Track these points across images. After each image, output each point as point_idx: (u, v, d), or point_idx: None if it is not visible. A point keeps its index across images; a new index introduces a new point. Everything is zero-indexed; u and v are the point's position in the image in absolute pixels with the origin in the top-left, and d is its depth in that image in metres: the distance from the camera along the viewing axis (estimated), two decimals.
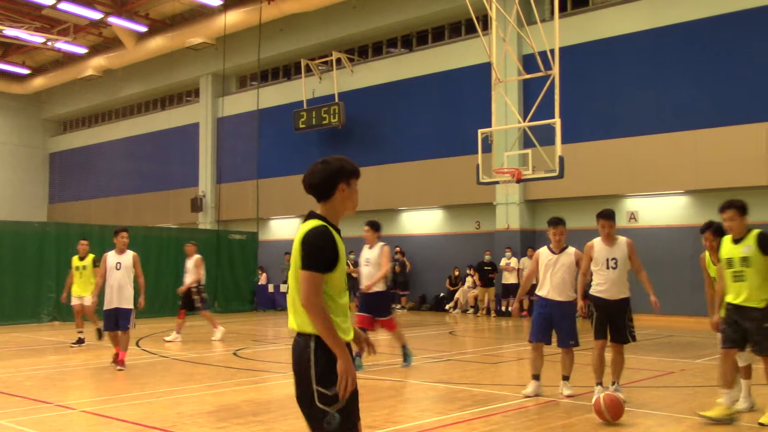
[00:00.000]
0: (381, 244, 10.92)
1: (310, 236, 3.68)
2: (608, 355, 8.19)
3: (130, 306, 10.83)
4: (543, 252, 8.66)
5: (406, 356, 10.97)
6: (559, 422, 7.13)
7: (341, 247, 3.73)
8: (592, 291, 8.24)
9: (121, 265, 10.86)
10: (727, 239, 7.26)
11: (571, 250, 8.60)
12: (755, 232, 7.06)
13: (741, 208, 7.19)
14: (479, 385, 9.38)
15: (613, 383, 8.07)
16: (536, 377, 8.53)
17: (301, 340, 3.70)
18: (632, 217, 20.01)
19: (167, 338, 14.42)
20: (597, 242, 8.38)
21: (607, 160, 19.99)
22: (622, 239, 8.31)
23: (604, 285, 8.15)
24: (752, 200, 18.13)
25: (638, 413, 7.61)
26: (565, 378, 8.53)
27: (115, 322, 10.75)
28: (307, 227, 3.71)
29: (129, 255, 11.02)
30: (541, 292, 8.53)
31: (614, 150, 19.94)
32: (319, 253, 3.65)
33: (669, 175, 19.04)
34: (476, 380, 9.82)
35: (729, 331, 7.11)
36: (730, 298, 7.12)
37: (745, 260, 7.00)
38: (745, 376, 7.67)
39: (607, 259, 8.16)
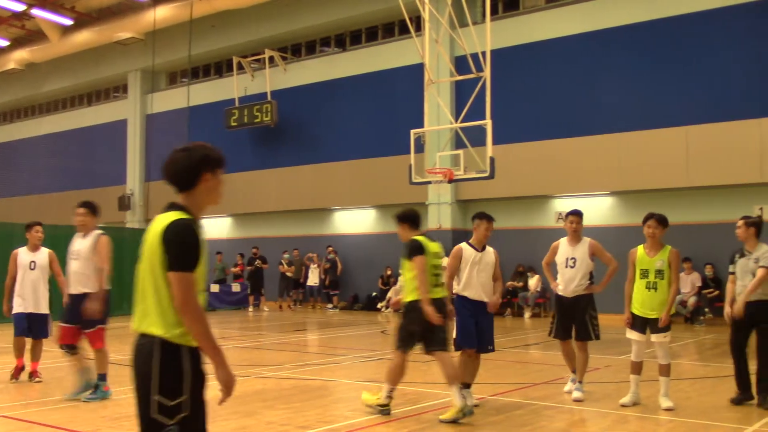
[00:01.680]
0: (98, 232, 8.59)
1: (176, 232, 3.35)
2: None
3: (47, 311, 9.74)
4: (466, 249, 7.92)
5: (97, 388, 8.20)
6: (489, 419, 7.23)
7: (204, 244, 3.43)
8: (558, 290, 8.54)
9: (36, 264, 9.63)
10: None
11: (491, 249, 8.03)
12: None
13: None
14: (411, 383, 9.43)
15: (577, 381, 8.30)
16: (468, 386, 7.72)
17: (146, 343, 3.34)
18: (560, 217, 20.44)
19: None
20: (562, 242, 8.67)
21: (536, 161, 20.39)
22: (586, 239, 8.55)
23: (562, 284, 8.46)
24: (672, 202, 18.86)
25: (564, 409, 7.79)
26: (468, 386, 7.70)
27: (28, 328, 9.65)
28: (170, 219, 3.38)
29: (44, 253, 9.70)
30: (468, 292, 7.83)
31: (543, 151, 20.35)
32: (190, 250, 3.34)
33: (595, 177, 19.54)
34: (407, 379, 9.85)
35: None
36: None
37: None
38: (635, 372, 7.84)
39: (567, 258, 8.43)
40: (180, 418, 3.32)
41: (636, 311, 7.81)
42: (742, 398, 7.89)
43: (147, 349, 3.34)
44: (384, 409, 7.37)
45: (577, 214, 8.56)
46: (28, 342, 9.75)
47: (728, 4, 18.02)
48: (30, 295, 9.64)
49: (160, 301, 3.35)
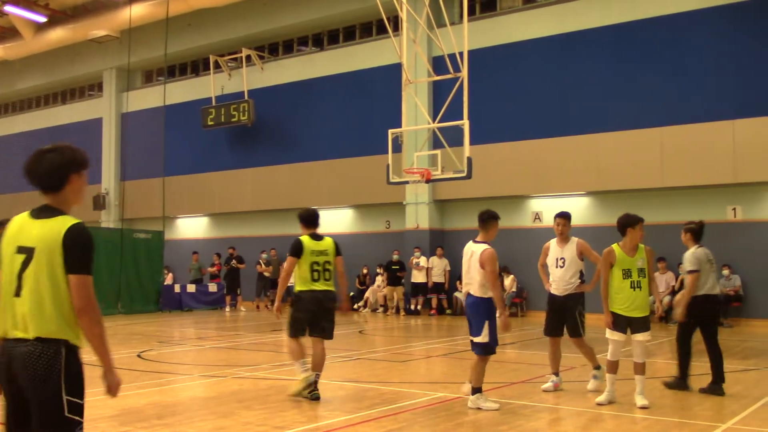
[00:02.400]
0: None
1: (77, 236, 3.42)
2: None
3: None
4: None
5: None
6: (466, 418, 7.26)
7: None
8: (550, 290, 8.86)
9: None
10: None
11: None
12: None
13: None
14: (388, 383, 9.44)
15: (597, 367, 8.67)
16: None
17: (48, 347, 3.35)
18: (537, 217, 20.58)
19: None
20: (552, 243, 8.88)
21: (513, 161, 20.49)
22: (574, 239, 8.79)
23: (553, 283, 8.77)
24: (647, 202, 19.05)
25: (540, 408, 7.84)
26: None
27: None
28: (66, 225, 3.44)
29: None
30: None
31: (521, 152, 20.46)
32: (90, 254, 3.46)
33: (572, 177, 19.68)
34: (385, 379, 9.88)
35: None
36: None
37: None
38: (611, 371, 7.87)
39: (557, 259, 8.73)
40: (82, 414, 3.45)
41: (619, 311, 7.78)
42: (678, 383, 8.68)
43: (51, 353, 3.36)
44: (312, 392, 8.08)
45: (563, 216, 8.87)
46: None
47: (703, 6, 18.25)
48: None
49: (62, 304, 3.39)
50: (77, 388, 3.43)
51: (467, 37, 16.47)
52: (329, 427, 6.88)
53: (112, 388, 3.58)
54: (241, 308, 23.92)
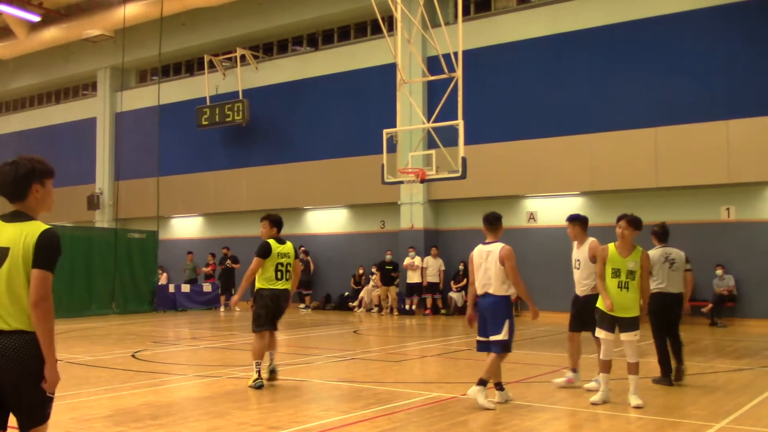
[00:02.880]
0: None
1: (48, 239, 3.77)
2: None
3: None
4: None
5: None
6: (461, 418, 7.26)
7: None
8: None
9: None
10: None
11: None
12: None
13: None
14: (383, 383, 9.44)
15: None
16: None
17: (22, 339, 3.69)
18: (531, 217, 20.61)
19: None
20: (574, 245, 9.20)
21: (508, 161, 20.51)
22: (588, 240, 9.01)
23: (575, 284, 9.12)
24: (642, 202, 19.08)
25: (535, 407, 7.85)
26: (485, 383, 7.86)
27: None
28: (41, 229, 3.78)
29: None
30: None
31: (515, 152, 20.48)
32: (55, 256, 3.79)
33: (567, 177, 19.71)
34: (380, 378, 9.89)
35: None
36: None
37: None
38: (605, 370, 7.87)
39: (574, 260, 9.07)
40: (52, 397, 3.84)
41: (605, 309, 7.87)
42: (661, 379, 9.17)
43: (30, 342, 3.70)
44: (257, 382, 8.86)
45: (570, 220, 9.18)
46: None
47: (697, 7, 18.30)
48: None
49: (26, 300, 3.73)
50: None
51: (462, 37, 16.48)
52: (324, 427, 6.88)
53: (50, 384, 3.76)
54: (236, 308, 23.88)
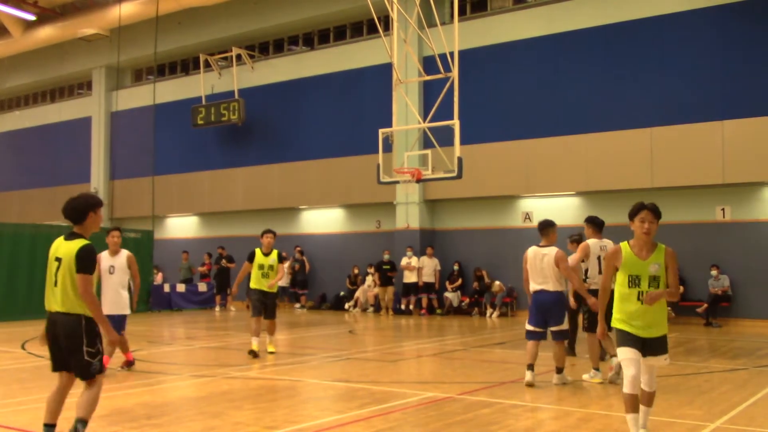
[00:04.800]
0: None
1: (83, 251, 5.71)
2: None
3: (127, 311, 10.21)
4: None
5: None
6: (456, 418, 7.26)
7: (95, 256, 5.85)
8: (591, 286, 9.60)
9: (115, 268, 10.21)
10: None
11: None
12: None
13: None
14: (378, 383, 9.44)
15: (596, 369, 9.44)
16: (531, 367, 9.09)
17: (74, 316, 5.73)
18: (527, 217, 20.62)
19: None
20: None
21: (504, 161, 20.53)
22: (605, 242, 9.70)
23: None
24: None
25: (530, 407, 7.85)
26: (560, 370, 9.15)
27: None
28: (80, 244, 5.73)
29: (123, 256, 10.34)
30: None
31: (511, 152, 20.50)
32: (88, 262, 5.72)
33: (562, 177, 19.73)
34: (375, 378, 9.88)
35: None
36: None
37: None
38: (631, 409, 5.92)
39: (597, 257, 9.59)
40: (99, 357, 5.84)
41: (628, 328, 5.90)
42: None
43: (75, 319, 5.74)
44: (251, 352, 11.59)
45: (587, 222, 9.94)
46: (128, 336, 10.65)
47: (693, 7, 18.33)
48: (110, 298, 10.09)
49: (75, 291, 5.71)
50: (92, 340, 5.77)
51: (458, 37, 16.49)
52: (320, 427, 6.88)
53: (109, 341, 6.05)
54: (231, 308, 23.87)
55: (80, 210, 5.81)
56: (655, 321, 5.91)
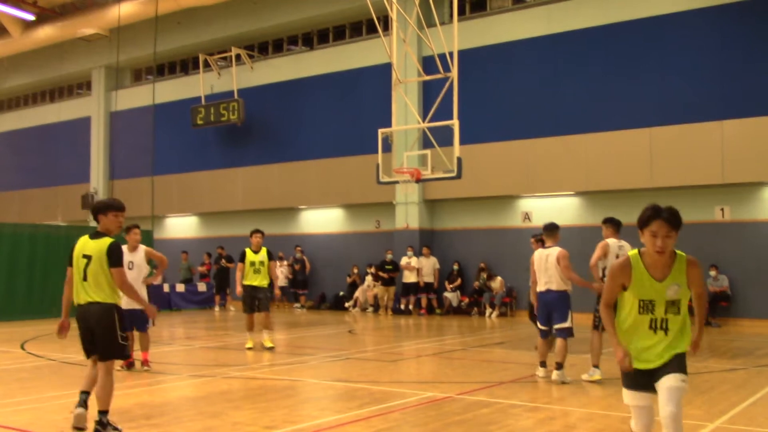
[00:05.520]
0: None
1: (113, 248, 6.48)
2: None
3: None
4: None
5: None
6: (455, 418, 7.26)
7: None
8: None
9: (134, 264, 10.35)
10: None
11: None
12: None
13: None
14: (378, 383, 9.44)
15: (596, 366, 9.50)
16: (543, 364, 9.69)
17: (105, 307, 6.46)
18: (526, 217, 20.62)
19: None
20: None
21: (503, 161, 20.52)
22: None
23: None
24: (636, 202, 18.99)
25: (529, 407, 7.86)
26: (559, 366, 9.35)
27: (130, 323, 9.96)
28: (108, 242, 6.48)
29: (141, 252, 10.57)
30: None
31: (510, 152, 20.49)
32: (118, 257, 6.49)
33: (561, 177, 19.73)
34: (375, 378, 9.88)
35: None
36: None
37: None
38: None
39: (615, 255, 9.50)
40: (127, 342, 6.73)
41: (619, 367, 4.70)
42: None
43: (107, 310, 6.49)
44: (247, 346, 12.85)
45: (605, 222, 9.86)
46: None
47: (692, 8, 18.32)
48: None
49: (109, 283, 6.49)
50: (123, 326, 6.59)
51: (457, 37, 16.49)
52: (319, 427, 6.88)
53: (151, 313, 7.58)
54: (231, 308, 23.87)
55: (97, 209, 6.63)
56: (674, 342, 4.61)
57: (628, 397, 4.75)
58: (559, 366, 9.26)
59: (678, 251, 4.62)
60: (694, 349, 4.74)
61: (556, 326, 9.42)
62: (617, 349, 4.63)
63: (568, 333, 9.38)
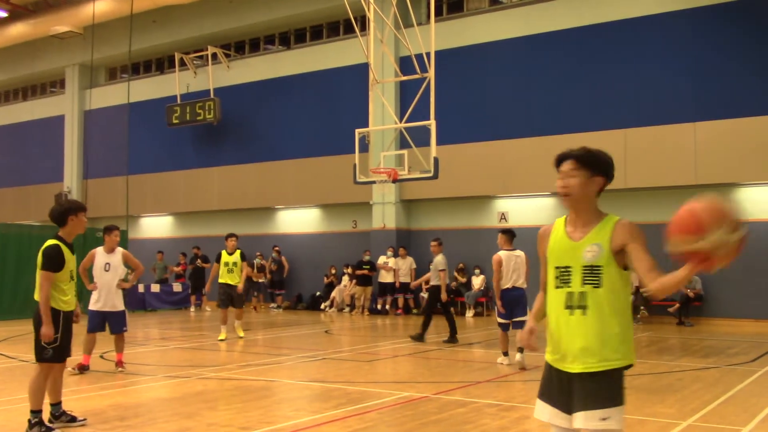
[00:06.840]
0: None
1: (45, 250, 6.53)
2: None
3: (122, 307, 10.29)
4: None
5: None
6: (432, 417, 7.28)
7: (68, 256, 6.65)
8: None
9: (110, 266, 10.11)
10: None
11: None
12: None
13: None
14: (354, 383, 9.44)
15: None
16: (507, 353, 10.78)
17: (37, 308, 6.57)
18: (503, 217, 20.72)
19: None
20: None
21: (480, 161, 20.60)
22: None
23: None
24: (610, 203, 19.09)
25: (506, 407, 7.89)
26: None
27: (102, 325, 10.20)
28: (46, 244, 6.51)
29: (119, 254, 10.26)
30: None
31: (487, 152, 20.58)
32: (46, 260, 6.49)
33: (538, 178, 19.80)
34: (351, 378, 9.88)
35: None
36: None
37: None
38: None
39: None
40: (53, 346, 6.59)
41: (548, 357, 3.64)
42: (419, 336, 13.91)
43: (36, 311, 6.58)
44: (220, 338, 14.18)
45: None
46: (102, 338, 10.45)
47: (666, 10, 18.53)
48: (104, 295, 10.13)
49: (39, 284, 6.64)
50: (57, 329, 6.63)
51: (434, 37, 16.54)
52: (295, 427, 6.86)
53: (44, 335, 6.50)
54: (206, 308, 23.72)
55: (59, 214, 6.57)
56: (588, 342, 3.43)
57: (539, 410, 3.58)
58: (521, 350, 10.32)
59: (607, 214, 3.82)
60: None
61: (517, 319, 10.50)
62: (526, 325, 3.76)
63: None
